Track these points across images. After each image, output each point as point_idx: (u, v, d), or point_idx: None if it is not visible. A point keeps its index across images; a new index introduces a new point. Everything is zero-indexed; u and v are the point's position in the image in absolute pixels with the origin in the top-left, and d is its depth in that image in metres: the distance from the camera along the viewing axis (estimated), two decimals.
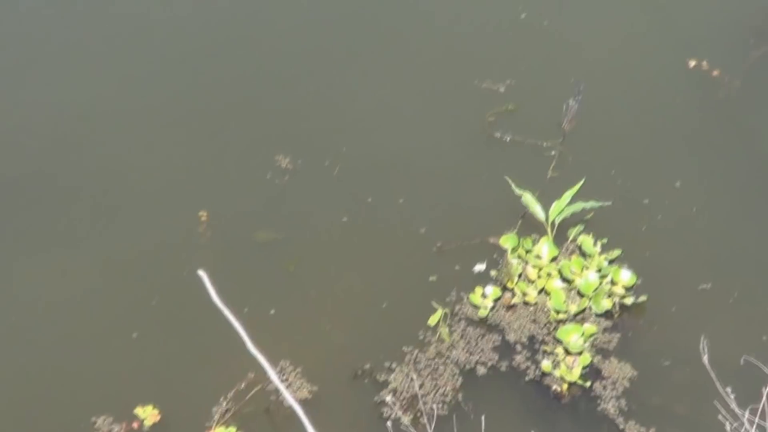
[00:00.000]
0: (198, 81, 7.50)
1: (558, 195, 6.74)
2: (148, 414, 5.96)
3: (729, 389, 5.17)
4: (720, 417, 5.21)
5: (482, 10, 7.81)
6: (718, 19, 7.70)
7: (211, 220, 6.77)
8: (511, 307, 6.48)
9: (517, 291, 6.51)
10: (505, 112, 7.39)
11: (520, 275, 6.57)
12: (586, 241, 6.71)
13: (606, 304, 6.45)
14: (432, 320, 6.34)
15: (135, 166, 7.04)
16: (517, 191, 6.78)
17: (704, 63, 7.55)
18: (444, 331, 6.30)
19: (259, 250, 6.67)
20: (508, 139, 7.26)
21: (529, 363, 6.26)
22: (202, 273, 5.68)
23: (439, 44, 7.71)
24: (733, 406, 5.19)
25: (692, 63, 7.57)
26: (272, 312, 6.42)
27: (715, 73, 7.54)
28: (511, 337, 6.33)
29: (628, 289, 6.53)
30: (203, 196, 6.89)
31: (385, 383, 6.12)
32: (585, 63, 7.56)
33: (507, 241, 6.70)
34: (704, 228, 6.88)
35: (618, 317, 6.45)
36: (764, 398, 5.07)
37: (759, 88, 7.48)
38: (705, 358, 5.29)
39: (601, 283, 6.52)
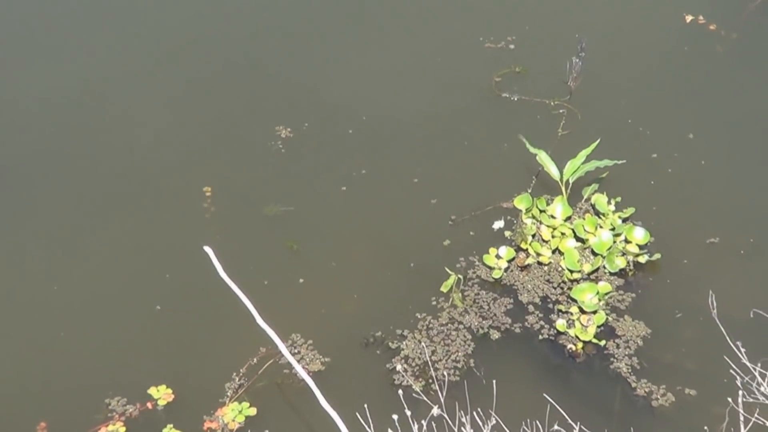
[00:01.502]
0: (199, 58, 7.54)
1: (570, 153, 6.73)
2: (162, 394, 5.99)
3: (739, 343, 5.15)
4: (731, 371, 5.19)
5: None
6: None
7: (215, 195, 6.77)
8: (525, 268, 6.48)
9: (531, 251, 6.51)
10: (511, 73, 7.37)
11: (533, 235, 6.57)
12: (600, 200, 6.71)
13: (620, 262, 6.44)
14: (445, 286, 6.34)
15: (141, 147, 7.08)
16: (532, 150, 6.78)
17: (700, 17, 7.57)
18: (457, 296, 6.30)
19: (264, 223, 6.69)
20: (516, 98, 7.25)
21: (543, 323, 6.26)
22: (208, 249, 5.73)
23: (442, 4, 7.66)
24: (744, 360, 5.17)
25: (689, 18, 7.58)
26: (281, 285, 6.42)
27: (712, 27, 7.56)
28: (525, 298, 6.33)
29: (641, 247, 6.51)
30: (207, 172, 6.91)
31: (397, 350, 6.12)
32: (586, 21, 7.59)
33: (521, 201, 6.70)
34: (712, 181, 6.87)
35: (632, 275, 6.44)
36: None
37: (755, 41, 7.48)
38: (714, 313, 5.28)
39: (615, 242, 6.51)
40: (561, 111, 7.16)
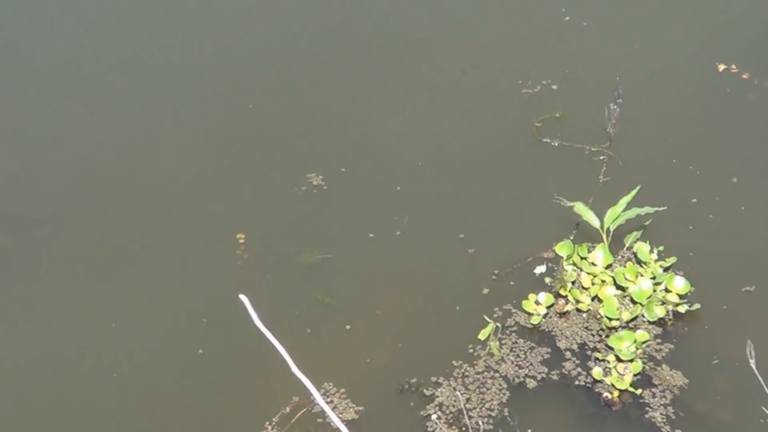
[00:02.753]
0: (228, 106, 7.56)
1: (611, 200, 6.69)
2: None
3: None
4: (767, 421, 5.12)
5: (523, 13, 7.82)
6: (744, 22, 7.66)
7: (248, 242, 6.79)
8: (563, 314, 6.45)
9: (570, 298, 6.48)
10: (552, 119, 7.38)
11: (573, 282, 6.54)
12: (642, 248, 6.66)
13: (659, 311, 6.39)
14: (482, 334, 6.32)
15: (172, 195, 7.11)
16: (568, 203, 6.76)
17: (733, 66, 7.53)
18: (494, 345, 6.28)
19: (298, 272, 6.69)
20: (557, 144, 7.25)
21: (580, 370, 6.20)
22: (243, 297, 5.72)
23: (479, 50, 7.72)
24: None
25: (721, 67, 7.55)
26: (314, 334, 6.41)
27: (745, 75, 7.51)
28: (563, 344, 6.29)
29: (681, 296, 6.46)
30: (240, 219, 6.92)
31: (432, 397, 6.09)
32: (624, 67, 7.55)
33: (562, 248, 6.68)
34: (752, 227, 6.81)
35: (671, 325, 6.38)
36: None
37: None
38: (752, 362, 5.21)
39: (654, 291, 6.46)
40: (601, 158, 7.13)
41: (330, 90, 7.64)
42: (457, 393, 6.05)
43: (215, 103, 7.59)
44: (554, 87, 7.57)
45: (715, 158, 7.17)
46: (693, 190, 7.01)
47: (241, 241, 6.83)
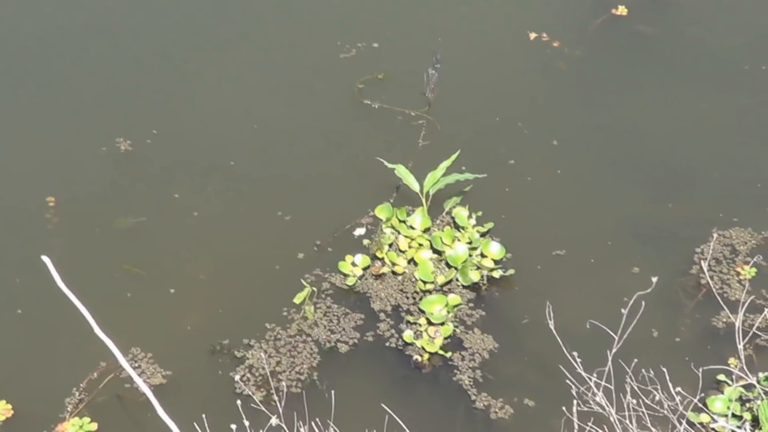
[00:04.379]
0: (36, 66, 7.35)
1: (431, 164, 6.71)
2: (1, 409, 5.82)
3: (575, 354, 5.15)
4: (567, 381, 5.19)
5: None
6: None
7: (58, 205, 6.63)
8: (379, 277, 6.44)
9: (387, 260, 6.48)
10: (374, 80, 7.36)
11: (390, 245, 6.53)
12: (460, 213, 6.70)
13: (474, 276, 6.42)
14: (298, 298, 6.28)
15: None
16: (390, 165, 6.75)
17: (544, 35, 7.65)
18: (308, 309, 6.23)
19: (111, 235, 6.55)
20: (377, 106, 7.24)
21: (392, 332, 6.22)
22: (45, 258, 5.58)
23: (300, 12, 7.70)
24: (579, 369, 5.17)
25: (533, 35, 7.65)
26: (127, 299, 6.29)
27: (556, 44, 7.62)
28: (377, 306, 6.29)
29: (496, 262, 6.50)
30: (50, 182, 6.74)
31: (242, 359, 6.04)
32: (441, 33, 7.60)
33: (381, 211, 6.69)
34: (565, 193, 6.91)
35: (485, 289, 6.42)
36: (609, 360, 5.06)
37: (599, 57, 7.58)
38: (551, 324, 5.27)
39: (470, 256, 6.49)
40: (420, 122, 7.13)
41: (144, 58, 7.45)
42: (262, 355, 5.98)
43: (23, 66, 7.33)
44: (375, 45, 7.53)
45: (531, 123, 7.24)
46: (511, 155, 7.06)
47: (51, 204, 6.63)
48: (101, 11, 7.70)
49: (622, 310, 5.00)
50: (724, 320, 6.30)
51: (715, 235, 6.61)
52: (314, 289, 6.30)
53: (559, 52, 7.59)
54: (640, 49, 7.65)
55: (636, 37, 7.70)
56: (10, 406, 5.84)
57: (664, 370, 5.30)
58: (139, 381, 5.53)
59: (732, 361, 6.06)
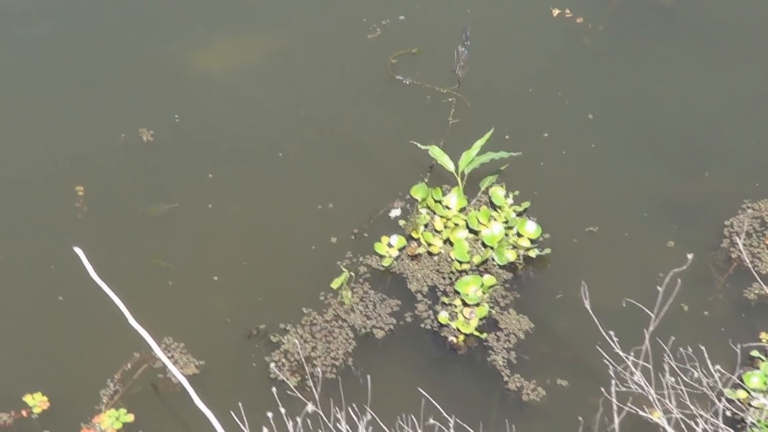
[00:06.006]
0: (61, 58, 7.30)
1: (463, 142, 6.63)
2: (37, 401, 5.82)
3: (612, 333, 5.08)
4: (604, 361, 5.13)
5: None
6: None
7: (88, 194, 6.62)
8: (415, 257, 6.39)
9: (423, 241, 6.43)
10: (408, 55, 7.29)
11: (426, 225, 6.48)
12: (496, 192, 6.63)
13: (510, 255, 6.36)
14: (335, 283, 6.24)
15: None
16: (423, 147, 6.69)
17: (567, 11, 7.55)
18: (346, 294, 6.20)
19: (143, 223, 6.53)
20: (408, 82, 7.17)
21: (429, 313, 6.17)
22: (78, 250, 5.59)
23: None
24: (617, 349, 5.11)
25: (556, 12, 7.55)
26: (153, 286, 6.27)
27: (579, 20, 7.52)
28: (413, 287, 6.25)
29: (533, 241, 6.43)
30: (78, 171, 6.72)
31: (278, 345, 6.01)
32: (465, 8, 7.52)
33: (417, 191, 6.63)
34: (598, 168, 6.85)
35: (522, 269, 6.36)
36: (646, 339, 4.98)
37: (623, 31, 7.47)
38: (587, 303, 5.20)
39: (507, 235, 6.42)
40: (450, 99, 7.06)
41: (163, 37, 7.41)
42: (296, 341, 5.96)
43: (47, 58, 7.30)
44: (401, 17, 7.44)
45: (563, 98, 7.15)
46: (544, 128, 6.99)
47: (81, 193, 6.63)
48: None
49: (658, 288, 4.90)
50: (756, 292, 6.18)
51: (747, 210, 6.49)
52: (352, 273, 6.26)
53: (583, 27, 7.47)
54: (663, 23, 7.53)
55: (658, 9, 7.56)
56: (46, 398, 5.86)
57: (702, 348, 5.21)
58: (175, 371, 5.53)
59: (764, 335, 5.96)
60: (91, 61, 7.22)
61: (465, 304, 6.13)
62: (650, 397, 5.05)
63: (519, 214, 6.54)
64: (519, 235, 6.43)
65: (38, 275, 6.28)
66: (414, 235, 6.42)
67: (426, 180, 6.69)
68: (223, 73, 7.19)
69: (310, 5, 7.53)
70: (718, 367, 5.15)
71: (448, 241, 6.44)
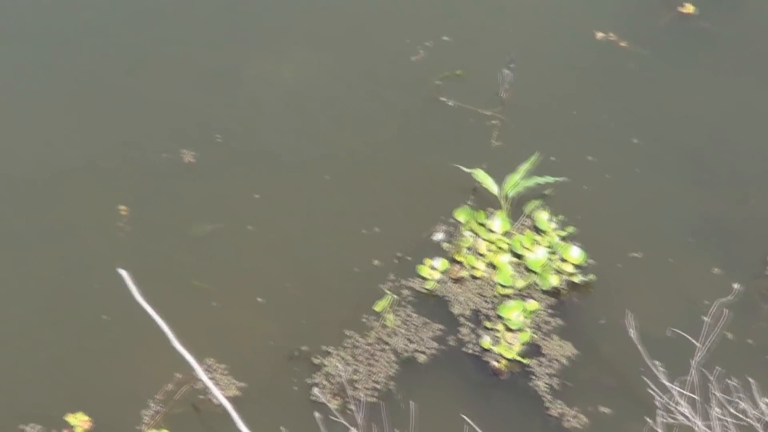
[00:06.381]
0: (103, 79, 7.31)
1: (506, 165, 6.62)
2: (79, 421, 5.83)
3: (657, 362, 5.04)
4: (649, 390, 5.09)
5: None
6: None
7: (131, 214, 6.64)
8: (458, 280, 6.37)
9: (466, 264, 6.40)
10: (452, 77, 7.28)
11: (469, 248, 6.46)
12: (541, 216, 6.60)
13: (553, 280, 6.32)
14: (379, 306, 6.23)
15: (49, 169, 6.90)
16: (467, 170, 6.67)
17: (611, 34, 7.51)
18: (389, 317, 6.18)
19: (185, 243, 6.53)
20: (452, 104, 7.15)
21: (471, 336, 6.14)
22: (122, 271, 5.58)
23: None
24: (663, 380, 5.06)
25: (599, 35, 7.51)
26: (195, 307, 6.27)
27: (623, 44, 7.46)
28: (456, 310, 6.22)
29: (577, 266, 6.39)
30: (120, 192, 6.74)
31: (320, 367, 6.00)
32: (508, 31, 7.51)
33: (461, 214, 6.61)
34: (642, 195, 6.80)
35: (565, 295, 6.32)
36: (692, 370, 4.93)
37: (668, 56, 7.41)
38: (632, 333, 5.16)
39: (550, 260, 6.39)
40: (494, 122, 7.04)
41: (211, 56, 7.42)
42: (338, 365, 5.94)
43: (86, 78, 7.32)
44: (445, 38, 7.43)
45: (607, 122, 7.10)
46: (588, 152, 6.94)
47: (124, 212, 6.65)
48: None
49: (704, 318, 4.85)
50: None
51: None
52: (395, 297, 6.24)
53: (627, 51, 7.42)
54: (708, 48, 7.47)
55: (702, 34, 7.50)
56: (88, 418, 5.86)
57: (750, 380, 5.14)
58: (218, 394, 5.52)
59: None
60: (133, 82, 7.24)
61: (508, 329, 6.10)
62: (696, 429, 4.99)
63: (563, 239, 6.50)
64: (563, 260, 6.39)
65: (83, 295, 6.30)
66: (457, 257, 6.40)
67: (469, 203, 6.65)
68: (268, 94, 7.19)
69: (354, 26, 7.51)
70: (766, 400, 5.08)
71: (491, 265, 6.41)
